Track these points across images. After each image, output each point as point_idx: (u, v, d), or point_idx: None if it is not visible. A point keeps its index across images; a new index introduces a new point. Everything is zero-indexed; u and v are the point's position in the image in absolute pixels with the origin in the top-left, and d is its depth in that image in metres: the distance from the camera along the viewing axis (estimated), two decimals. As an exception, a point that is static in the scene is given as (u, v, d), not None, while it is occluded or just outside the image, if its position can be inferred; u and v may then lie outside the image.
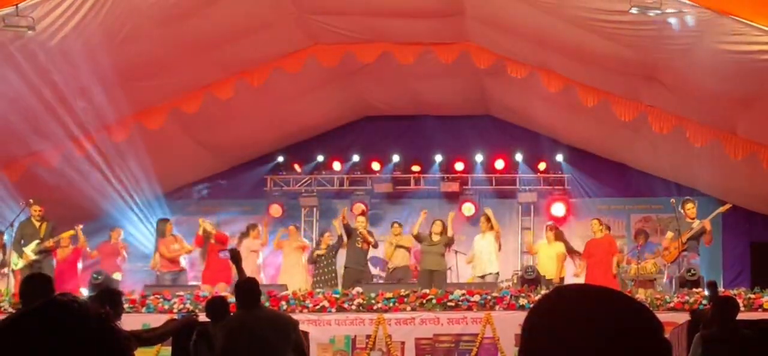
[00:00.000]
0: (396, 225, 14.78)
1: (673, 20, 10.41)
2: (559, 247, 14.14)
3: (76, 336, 1.37)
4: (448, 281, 13.87)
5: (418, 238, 14.13)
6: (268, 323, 6.54)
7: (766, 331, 7.66)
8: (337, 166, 17.79)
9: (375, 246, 14.52)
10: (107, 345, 1.40)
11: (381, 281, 14.63)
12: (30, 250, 12.95)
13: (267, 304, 11.48)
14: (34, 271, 12.61)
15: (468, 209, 16.78)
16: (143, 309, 11.74)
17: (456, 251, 14.99)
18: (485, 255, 14.05)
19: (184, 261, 14.54)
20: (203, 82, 14.38)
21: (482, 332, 11.23)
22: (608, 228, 14.33)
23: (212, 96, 14.50)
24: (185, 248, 14.45)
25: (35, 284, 5.76)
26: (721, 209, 13.04)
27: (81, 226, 13.97)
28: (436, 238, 13.92)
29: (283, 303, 11.71)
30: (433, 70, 15.14)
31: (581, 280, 14.29)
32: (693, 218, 12.85)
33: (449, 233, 14.02)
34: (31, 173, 14.15)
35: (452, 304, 11.49)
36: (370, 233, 14.49)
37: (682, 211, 13.01)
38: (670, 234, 13.15)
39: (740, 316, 10.38)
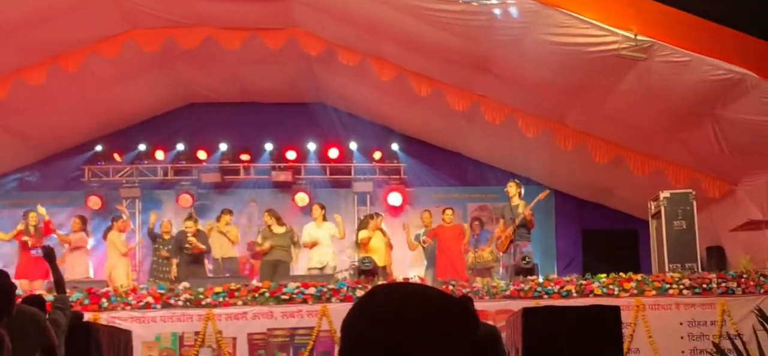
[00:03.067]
0: (227, 215, 14.83)
1: (498, 11, 10.99)
2: (381, 236, 14.53)
3: None
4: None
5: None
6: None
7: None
8: (160, 155, 17.55)
9: (208, 251, 14.41)
10: None
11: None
12: None
13: (86, 302, 11.30)
14: None
15: (301, 199, 16.99)
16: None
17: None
18: (323, 246, 14.29)
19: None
20: (11, 67, 13.89)
21: (318, 325, 11.32)
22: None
23: (22, 82, 14.03)
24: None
25: None
26: (541, 195, 13.71)
27: None
28: (279, 229, 14.08)
29: (104, 300, 11.48)
30: (260, 56, 15.24)
31: (421, 269, 14.79)
32: (515, 198, 13.47)
33: (295, 238, 14.26)
34: None
35: (286, 297, 11.56)
36: (199, 235, 14.38)
37: (506, 192, 13.63)
38: (502, 221, 13.74)
39: (573, 302, 11.23)
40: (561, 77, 12.61)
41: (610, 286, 11.86)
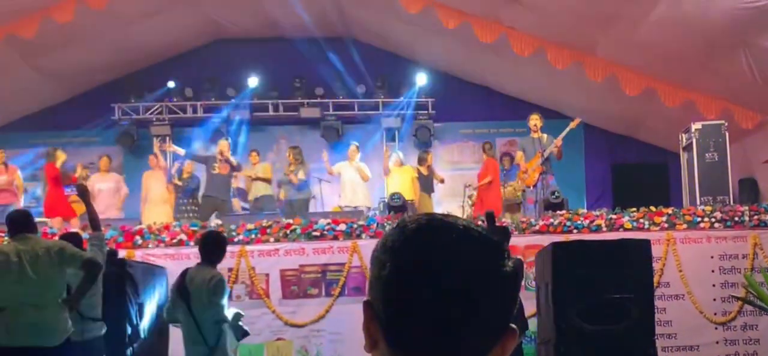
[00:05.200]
0: (254, 154, 15.03)
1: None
2: (409, 171, 14.67)
3: None
4: (313, 210, 14.17)
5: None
6: (28, 255, 6.64)
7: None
8: (189, 92, 17.62)
9: (237, 169, 14.58)
10: None
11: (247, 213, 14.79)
12: None
13: (120, 239, 11.49)
14: None
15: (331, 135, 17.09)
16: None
17: (320, 180, 15.29)
18: (349, 185, 14.42)
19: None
20: (39, 5, 13.96)
21: (349, 261, 11.47)
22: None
23: (50, 20, 14.11)
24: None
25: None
26: (572, 124, 13.54)
27: None
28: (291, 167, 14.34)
29: (138, 237, 11.66)
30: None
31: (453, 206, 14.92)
32: (537, 132, 13.41)
33: (300, 175, 14.41)
34: None
35: (317, 234, 11.71)
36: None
37: (528, 126, 13.57)
38: (520, 153, 13.64)
39: (602, 236, 11.23)
40: (591, 6, 12.50)
41: (641, 220, 11.84)
